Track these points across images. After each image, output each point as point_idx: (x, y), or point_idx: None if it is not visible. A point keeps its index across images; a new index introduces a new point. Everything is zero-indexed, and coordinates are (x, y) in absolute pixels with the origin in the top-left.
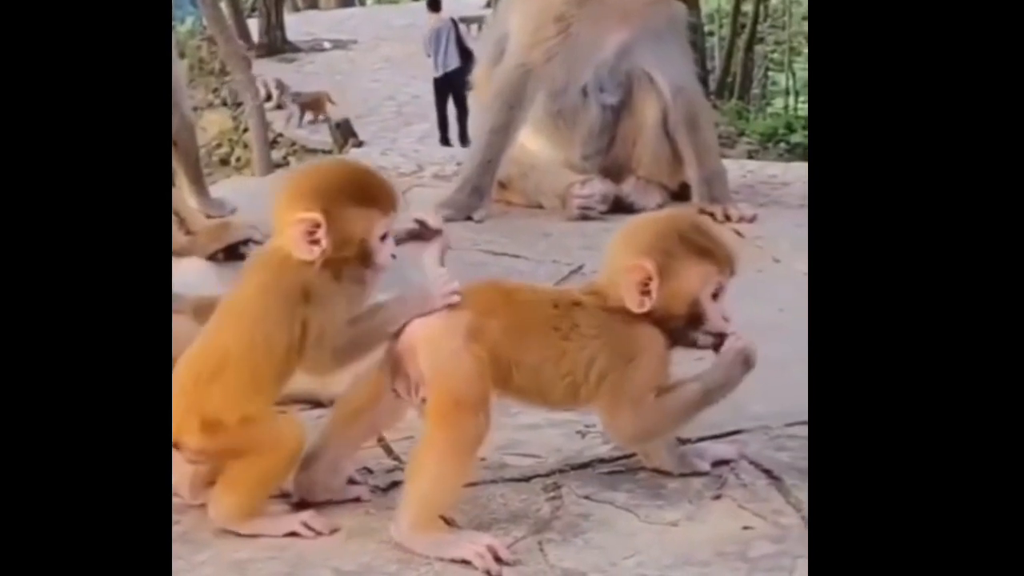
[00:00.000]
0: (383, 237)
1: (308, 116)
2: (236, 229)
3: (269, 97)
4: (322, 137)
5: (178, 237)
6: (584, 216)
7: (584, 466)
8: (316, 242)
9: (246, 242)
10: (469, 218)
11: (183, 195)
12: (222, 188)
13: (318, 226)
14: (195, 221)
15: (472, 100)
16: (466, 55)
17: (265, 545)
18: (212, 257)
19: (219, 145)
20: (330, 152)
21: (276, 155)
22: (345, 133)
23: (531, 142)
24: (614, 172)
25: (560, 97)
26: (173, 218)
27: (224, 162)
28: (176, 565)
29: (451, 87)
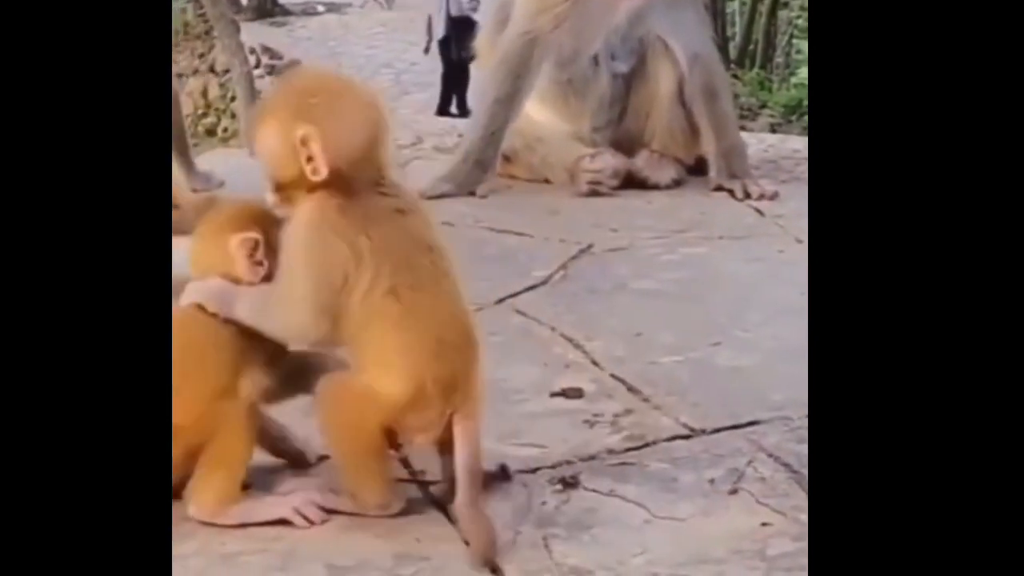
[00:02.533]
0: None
1: None
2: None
3: (257, 64)
4: None
5: None
6: (594, 192)
7: (592, 457)
8: (260, 263)
9: None
10: (471, 193)
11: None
12: (209, 160)
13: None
14: (180, 195)
15: (475, 69)
16: (460, 23)
17: (255, 537)
18: None
19: (204, 115)
20: None
21: None
22: None
23: (537, 113)
24: (626, 145)
25: (569, 66)
26: None
27: (210, 132)
28: None
29: (447, 53)
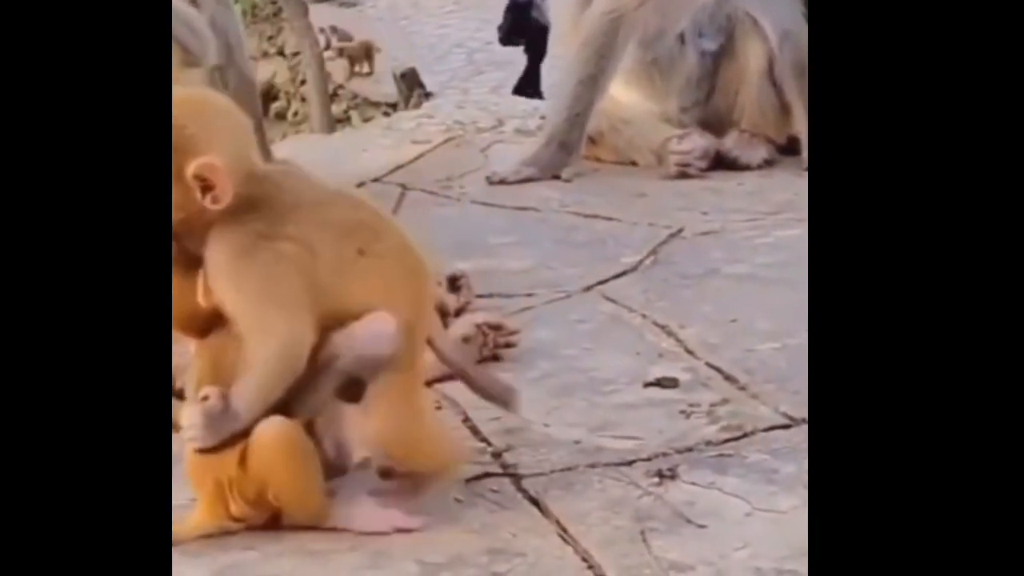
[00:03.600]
0: None
1: (357, 68)
2: None
3: (328, 46)
4: (386, 89)
5: None
6: (682, 174)
7: (689, 449)
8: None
9: None
10: (556, 176)
11: None
12: (285, 147)
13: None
14: None
15: (558, 50)
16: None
17: (344, 537)
18: None
19: (275, 98)
20: (394, 105)
21: (336, 109)
22: (410, 84)
23: (623, 94)
24: (714, 125)
25: (654, 44)
26: None
27: (280, 117)
28: (249, 556)
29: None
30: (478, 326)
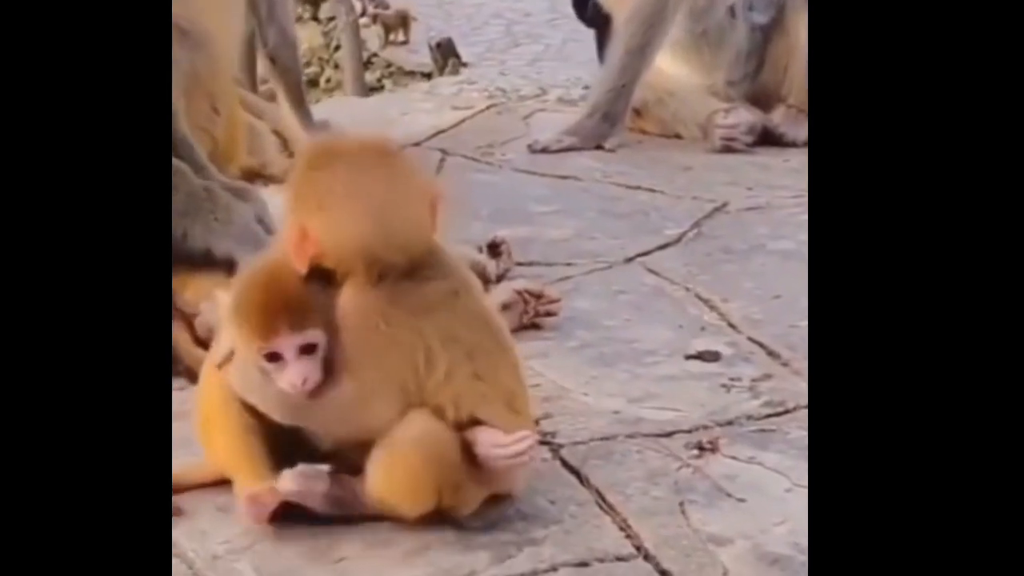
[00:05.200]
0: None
1: (392, 36)
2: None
3: (364, 12)
4: (420, 58)
5: (281, 161)
6: (728, 148)
7: (730, 423)
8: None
9: None
10: (599, 147)
11: (284, 116)
12: (324, 109)
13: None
14: (299, 144)
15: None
16: None
17: None
18: None
19: (308, 64)
20: (429, 75)
21: (370, 77)
22: (446, 54)
23: (670, 66)
24: (762, 100)
25: (704, 17)
26: (275, 140)
27: (313, 83)
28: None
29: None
30: (519, 293)
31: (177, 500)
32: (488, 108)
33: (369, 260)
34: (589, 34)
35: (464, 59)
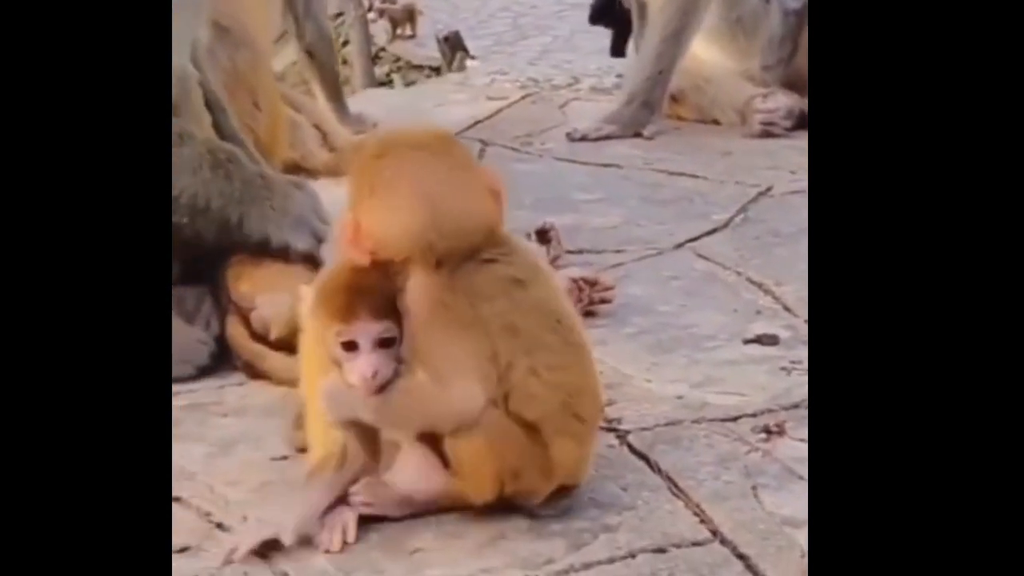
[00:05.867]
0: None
1: (399, 30)
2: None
3: (371, 7)
4: (428, 52)
5: (321, 154)
6: (767, 133)
7: (795, 406)
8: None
9: None
10: (638, 134)
11: (322, 110)
12: (359, 101)
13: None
14: (338, 137)
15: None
16: None
17: None
18: None
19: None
20: (437, 69)
21: (378, 71)
22: (454, 47)
23: (704, 52)
24: (798, 85)
25: (738, 3)
26: (315, 133)
27: None
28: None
29: None
30: (574, 280)
31: None
32: (523, 98)
33: (424, 247)
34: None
35: (472, 52)
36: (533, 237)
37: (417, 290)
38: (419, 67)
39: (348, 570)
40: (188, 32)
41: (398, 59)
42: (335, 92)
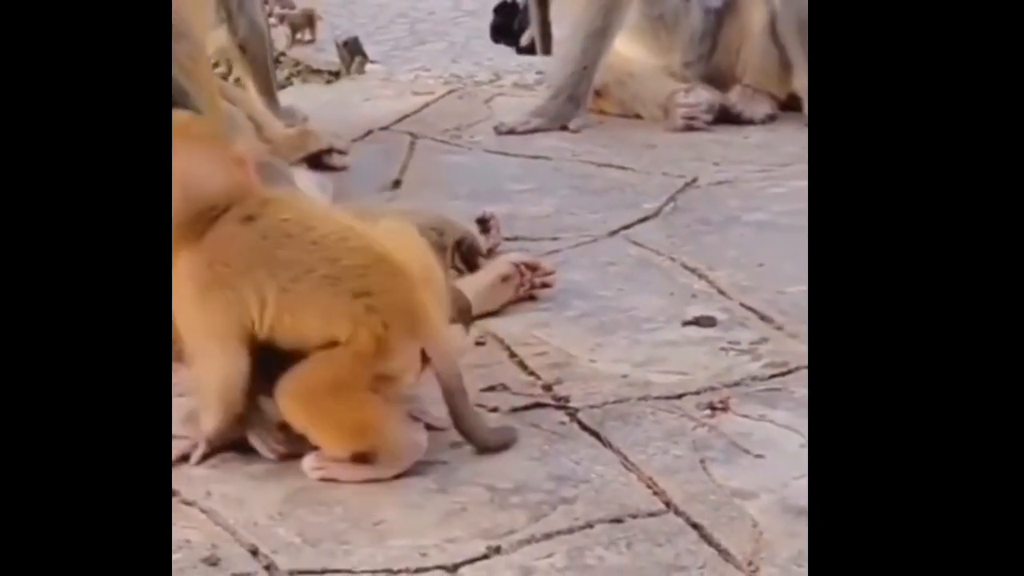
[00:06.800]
0: None
1: (299, 35)
2: (318, 138)
3: (270, 13)
4: (328, 56)
5: (258, 145)
6: (689, 126)
7: (736, 384)
8: None
9: (329, 151)
10: (564, 128)
11: (255, 102)
12: (290, 95)
13: None
14: (272, 129)
15: (563, 4)
16: None
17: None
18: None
19: (216, 64)
20: (336, 73)
21: (279, 76)
22: (353, 52)
23: (627, 48)
24: (716, 80)
25: (660, 1)
26: (249, 124)
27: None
28: (316, 482)
29: None
30: (516, 265)
31: None
32: (448, 93)
33: (178, 215)
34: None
35: (371, 57)
36: (475, 225)
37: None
38: (319, 71)
39: (314, 541)
40: None
41: (298, 63)
42: (267, 86)
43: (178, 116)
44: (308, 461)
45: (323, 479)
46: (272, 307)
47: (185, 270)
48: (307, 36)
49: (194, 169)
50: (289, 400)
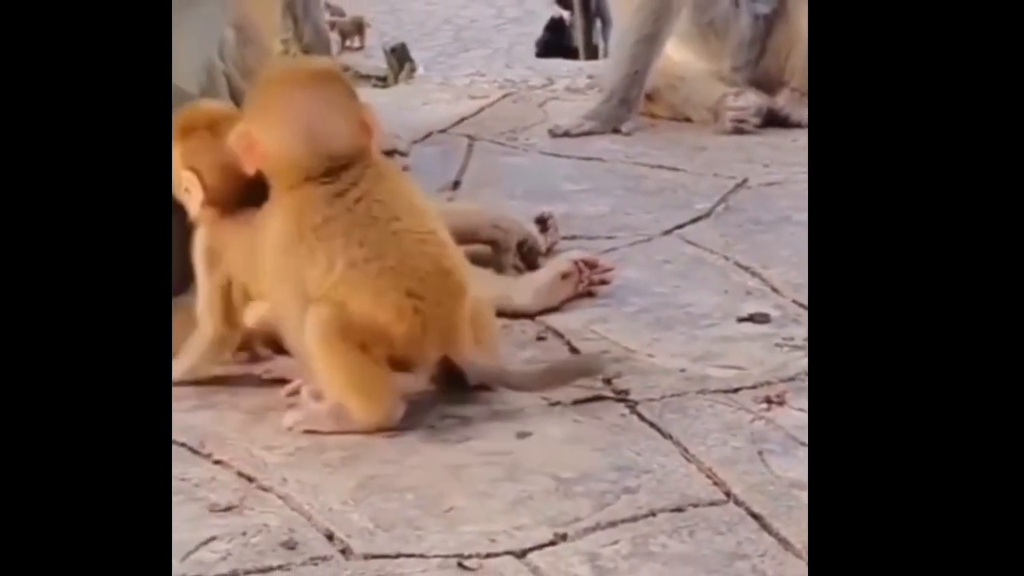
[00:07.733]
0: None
1: (348, 42)
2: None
3: None
4: (376, 62)
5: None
6: (738, 129)
7: (791, 379)
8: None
9: (391, 153)
10: (616, 130)
11: None
12: None
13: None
14: None
15: (615, 9)
16: None
17: (479, 450)
18: None
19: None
20: (383, 79)
21: None
22: (400, 58)
23: (677, 54)
24: (764, 84)
25: (709, 7)
26: None
27: None
28: (388, 468)
29: None
30: (575, 263)
31: None
32: (503, 97)
33: (294, 161)
34: (531, 39)
35: (417, 62)
36: (534, 225)
37: (270, 211)
38: (367, 77)
39: (387, 526)
40: (216, 29)
41: (347, 69)
42: None
43: (319, 66)
44: (289, 417)
45: (305, 431)
46: (335, 276)
47: (278, 216)
48: (356, 43)
49: (325, 118)
50: (320, 324)
